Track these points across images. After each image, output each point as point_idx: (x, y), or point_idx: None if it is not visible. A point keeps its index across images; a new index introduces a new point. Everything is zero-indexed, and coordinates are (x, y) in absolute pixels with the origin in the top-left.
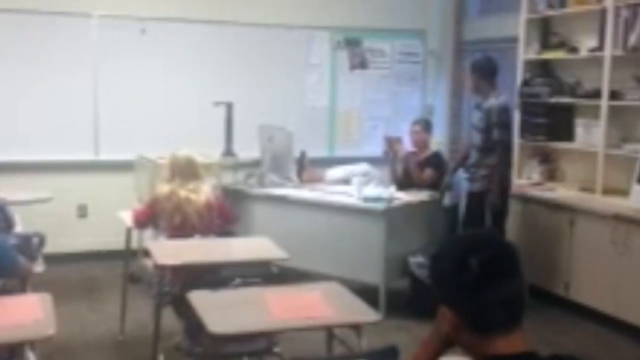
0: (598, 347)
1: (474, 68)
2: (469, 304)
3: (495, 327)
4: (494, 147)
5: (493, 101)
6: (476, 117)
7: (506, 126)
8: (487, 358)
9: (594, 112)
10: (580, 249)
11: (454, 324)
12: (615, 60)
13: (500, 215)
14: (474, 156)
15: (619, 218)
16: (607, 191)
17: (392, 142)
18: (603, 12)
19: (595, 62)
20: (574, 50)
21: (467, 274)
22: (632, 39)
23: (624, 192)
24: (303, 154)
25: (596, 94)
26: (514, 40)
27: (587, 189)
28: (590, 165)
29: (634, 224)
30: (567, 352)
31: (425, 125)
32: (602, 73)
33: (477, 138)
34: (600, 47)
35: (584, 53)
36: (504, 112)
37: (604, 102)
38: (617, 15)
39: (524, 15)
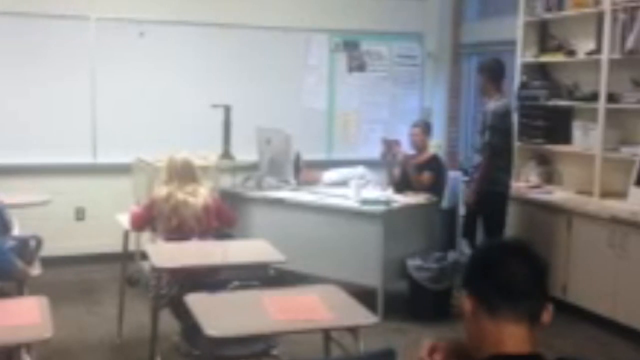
0: (595, 349)
1: (481, 69)
2: (484, 279)
3: (505, 305)
4: (485, 150)
5: (492, 104)
6: (479, 120)
7: (499, 130)
8: (494, 357)
9: (592, 115)
10: (578, 251)
11: (472, 310)
12: (612, 63)
13: (496, 217)
14: (475, 158)
15: (616, 221)
16: (605, 194)
17: (390, 145)
18: (600, 15)
19: (592, 65)
20: (571, 53)
21: (490, 255)
22: (630, 42)
23: (622, 195)
24: (297, 157)
25: (594, 97)
26: (511, 43)
27: (585, 191)
28: (588, 168)
29: (632, 226)
30: (567, 355)
31: (425, 127)
32: (600, 76)
33: (478, 141)
34: (598, 50)
35: (581, 56)
36: (499, 117)
37: (602, 105)
38: (614, 18)
39: (521, 18)
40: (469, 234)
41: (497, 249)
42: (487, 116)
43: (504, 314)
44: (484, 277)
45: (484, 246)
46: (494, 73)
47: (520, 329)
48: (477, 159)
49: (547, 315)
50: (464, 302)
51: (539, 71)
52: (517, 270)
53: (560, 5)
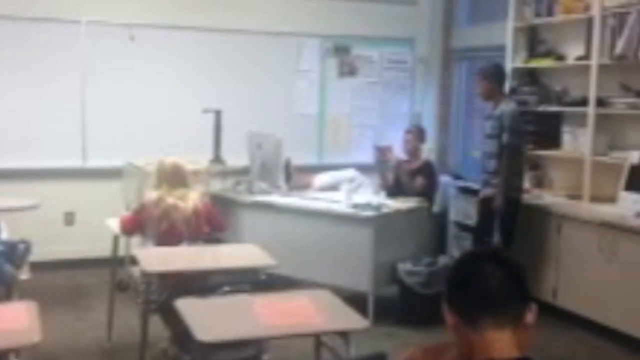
0: (585, 353)
1: (486, 74)
2: (460, 293)
3: (485, 316)
4: (504, 152)
5: (504, 107)
6: (488, 126)
7: (517, 132)
8: None
9: (581, 120)
10: (568, 255)
11: (455, 323)
12: (601, 68)
13: (509, 222)
14: (492, 164)
15: (606, 225)
16: (595, 198)
17: (383, 151)
18: (590, 21)
19: (582, 70)
20: (561, 58)
21: (464, 269)
22: (619, 47)
23: (611, 199)
24: (288, 162)
25: (583, 102)
26: (501, 48)
27: (575, 195)
28: (578, 173)
29: (621, 230)
30: (556, 359)
31: (419, 133)
32: (589, 81)
33: (492, 146)
34: (587, 55)
35: (571, 61)
36: (516, 118)
37: (591, 110)
38: (603, 23)
39: (511, 24)
40: (486, 240)
41: (472, 260)
42: (504, 118)
43: (486, 324)
44: (461, 291)
45: (459, 259)
46: (498, 77)
47: (504, 335)
48: (493, 164)
49: (530, 316)
50: (446, 316)
51: (529, 76)
52: (493, 280)
53: (549, 11)
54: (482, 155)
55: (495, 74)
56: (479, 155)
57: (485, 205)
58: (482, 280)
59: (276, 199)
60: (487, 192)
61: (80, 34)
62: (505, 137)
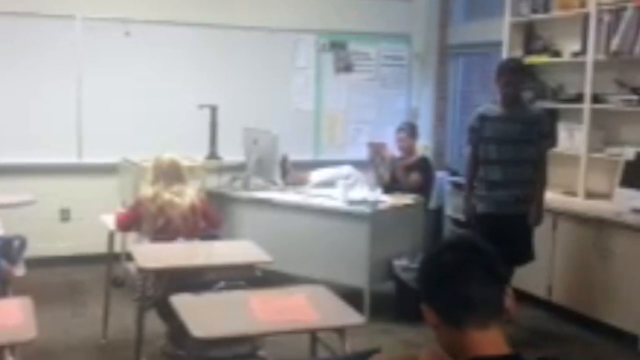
0: (580, 350)
1: (520, 69)
2: (440, 295)
3: (468, 316)
4: (541, 159)
5: (533, 109)
6: (515, 130)
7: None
8: (475, 358)
9: (577, 116)
10: (563, 252)
11: (435, 323)
12: (597, 64)
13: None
14: (528, 173)
15: (601, 221)
16: (590, 195)
17: (377, 148)
18: (586, 17)
19: (578, 66)
20: (557, 54)
21: (439, 267)
22: (614, 44)
23: (607, 196)
24: (285, 158)
25: (579, 98)
26: (498, 44)
27: (570, 192)
28: (573, 169)
29: (617, 227)
30: (552, 355)
31: (410, 130)
32: (585, 77)
33: (525, 152)
34: (583, 52)
35: (566, 57)
36: (549, 120)
37: (587, 106)
38: (599, 19)
39: (508, 20)
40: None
41: (446, 255)
42: (544, 123)
43: (470, 324)
44: (439, 292)
45: (433, 253)
46: (525, 74)
47: (490, 332)
48: (527, 172)
49: (509, 301)
50: (427, 314)
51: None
52: (472, 279)
53: (546, 7)
54: (505, 163)
55: (524, 70)
56: (487, 162)
57: (523, 222)
58: (460, 281)
59: (272, 195)
60: (537, 207)
61: (76, 30)
62: (547, 144)
